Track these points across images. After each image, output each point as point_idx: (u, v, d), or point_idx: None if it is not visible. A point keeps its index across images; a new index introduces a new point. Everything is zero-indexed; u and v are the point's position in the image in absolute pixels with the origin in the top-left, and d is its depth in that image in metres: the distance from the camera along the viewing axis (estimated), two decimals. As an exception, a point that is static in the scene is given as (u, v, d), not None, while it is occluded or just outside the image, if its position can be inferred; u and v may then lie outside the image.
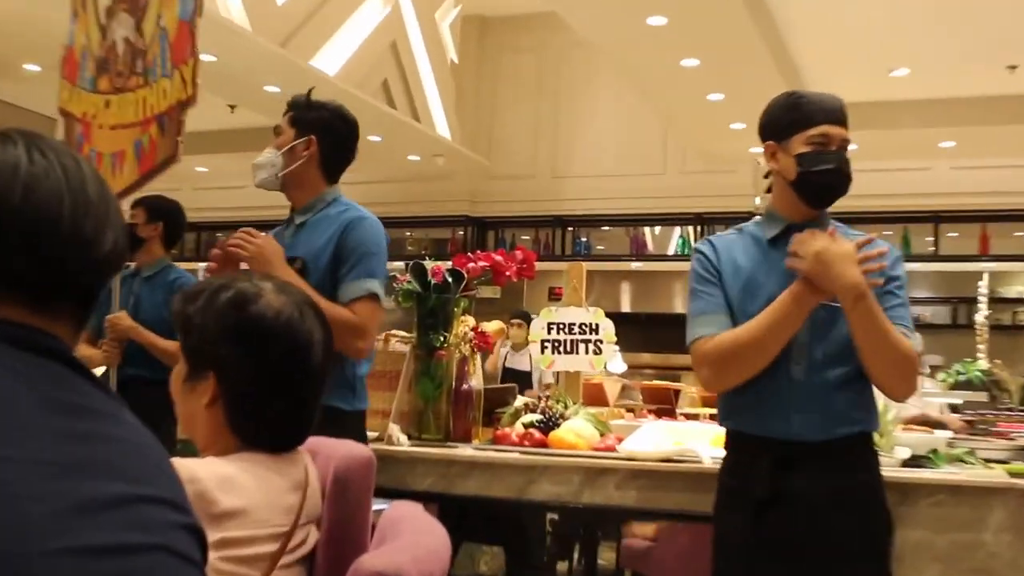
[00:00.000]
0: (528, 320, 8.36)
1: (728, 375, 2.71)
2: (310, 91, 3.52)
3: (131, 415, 1.24)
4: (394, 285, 4.02)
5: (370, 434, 4.03)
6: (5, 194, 1.18)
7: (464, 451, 3.75)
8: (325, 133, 3.42)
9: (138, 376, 4.46)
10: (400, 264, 4.10)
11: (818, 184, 2.72)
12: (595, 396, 5.15)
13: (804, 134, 2.71)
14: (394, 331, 4.15)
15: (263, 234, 3.22)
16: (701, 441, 3.63)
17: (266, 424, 1.83)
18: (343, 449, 1.93)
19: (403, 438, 3.84)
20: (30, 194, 1.19)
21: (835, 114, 2.72)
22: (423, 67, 10.52)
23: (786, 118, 2.75)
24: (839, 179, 2.71)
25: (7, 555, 1.01)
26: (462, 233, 12.78)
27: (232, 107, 10.67)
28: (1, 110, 11.47)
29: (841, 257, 2.55)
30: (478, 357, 4.19)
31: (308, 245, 3.30)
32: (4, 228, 1.18)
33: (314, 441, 1.93)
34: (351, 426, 3.24)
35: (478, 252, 4.25)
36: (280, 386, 1.82)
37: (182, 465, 1.62)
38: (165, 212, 4.95)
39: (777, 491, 2.64)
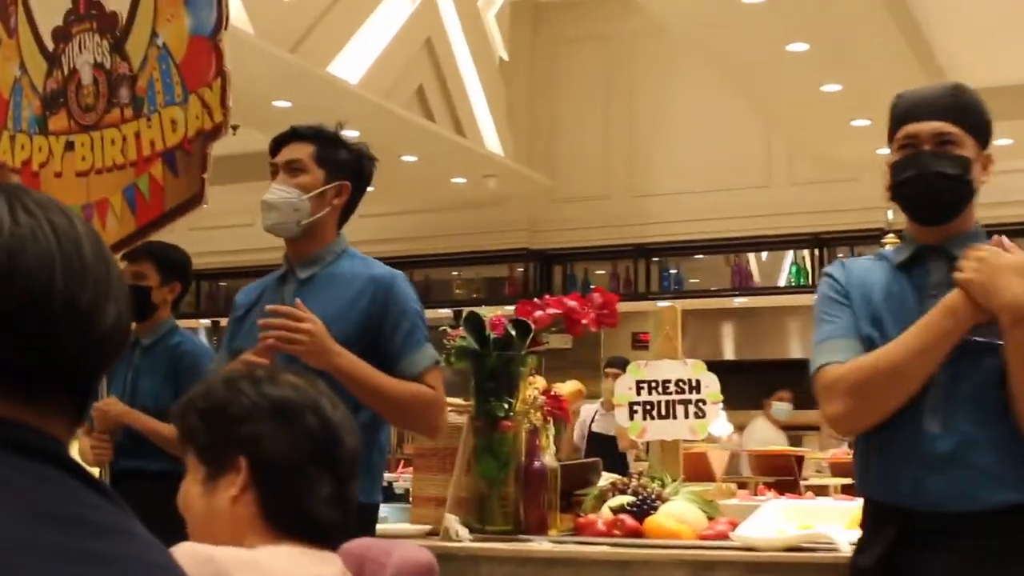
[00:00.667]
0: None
1: (863, 410, 2.70)
2: (339, 126, 3.61)
3: (142, 528, 1.24)
4: (444, 342, 4.03)
5: (421, 527, 4.03)
6: None
7: (540, 545, 3.73)
8: (356, 179, 3.54)
9: (133, 469, 4.47)
10: (446, 312, 4.13)
11: (906, 197, 2.76)
12: (697, 468, 5.13)
13: (894, 140, 2.77)
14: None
15: (308, 314, 3.24)
16: (834, 523, 3.58)
17: (304, 507, 1.91)
18: (398, 553, 1.93)
19: (463, 531, 3.83)
20: (15, 261, 1.20)
21: (925, 107, 2.74)
22: (466, 68, 10.58)
23: (890, 123, 2.81)
24: (924, 186, 2.71)
25: None
26: (522, 270, 12.79)
27: (235, 128, 10.77)
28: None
29: (1009, 268, 2.53)
30: (551, 427, 4.17)
31: (322, 306, 3.33)
32: None
33: (362, 544, 1.95)
34: (368, 522, 3.34)
35: (546, 297, 4.25)
36: (318, 464, 1.91)
37: (194, 548, 1.73)
38: (180, 269, 4.91)
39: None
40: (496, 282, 12.99)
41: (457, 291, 13.05)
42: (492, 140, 11.00)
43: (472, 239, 12.56)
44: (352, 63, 9.17)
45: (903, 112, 2.76)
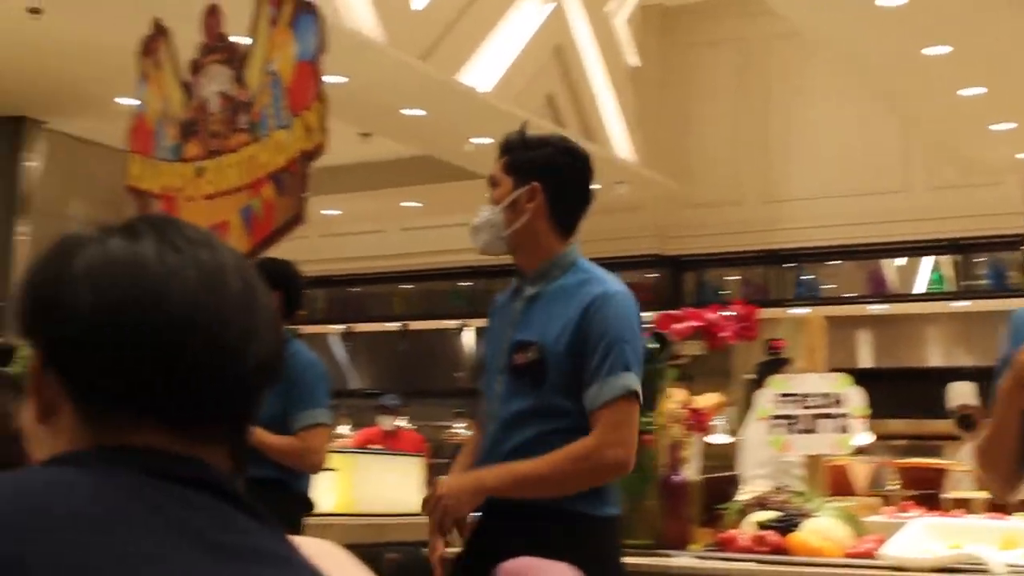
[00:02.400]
0: None
1: (986, 480, 2.69)
2: (524, 126, 3.43)
3: (295, 552, 1.26)
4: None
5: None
6: (130, 305, 1.22)
7: (681, 560, 3.72)
8: (550, 176, 3.28)
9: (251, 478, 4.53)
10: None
11: None
12: (839, 481, 5.06)
13: None
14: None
15: (437, 487, 3.14)
16: (985, 543, 3.50)
17: None
18: (552, 573, 1.92)
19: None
20: (161, 302, 1.22)
21: None
22: (595, 74, 10.57)
23: None
24: None
25: None
26: (652, 277, 12.75)
27: (366, 135, 10.91)
28: (90, 151, 12.03)
29: None
30: (693, 440, 4.16)
31: (543, 326, 3.20)
32: (132, 344, 1.21)
33: (524, 563, 1.93)
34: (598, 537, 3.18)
35: (686, 309, 4.23)
36: None
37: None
38: (283, 277, 4.95)
39: None
40: (632, 288, 12.92)
41: (587, 298, 13.02)
42: (622, 146, 10.98)
43: (602, 245, 12.44)
44: (482, 71, 9.21)
45: None
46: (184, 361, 1.22)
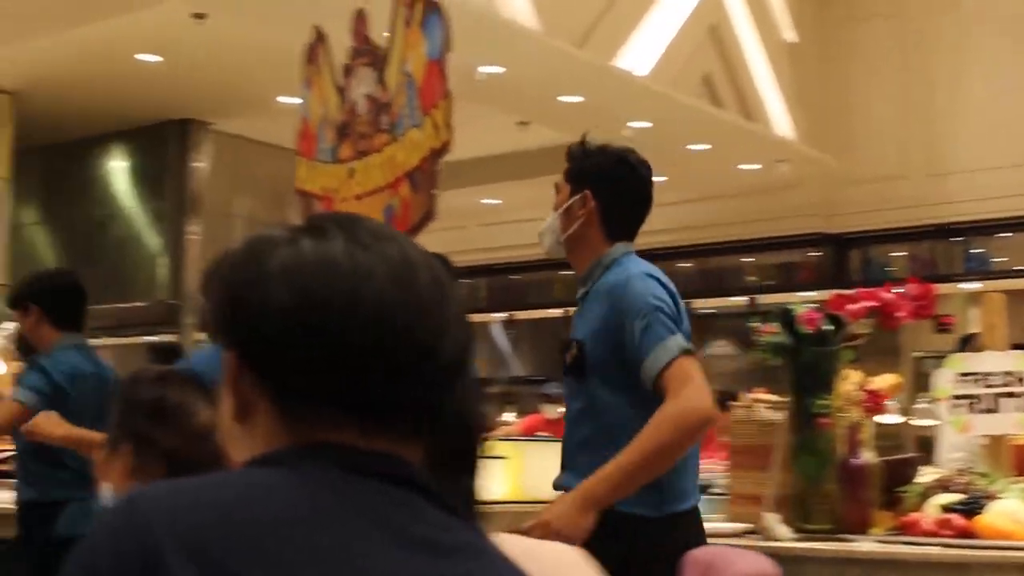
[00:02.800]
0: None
1: None
2: (585, 136, 3.50)
3: (491, 545, 1.26)
4: (753, 338, 4.00)
5: (739, 526, 4.00)
6: (327, 303, 1.23)
7: (862, 545, 3.67)
8: (602, 184, 3.40)
9: None
10: (738, 300, 4.09)
11: None
12: (1021, 461, 4.92)
13: None
14: (759, 394, 4.12)
15: (549, 519, 3.11)
16: None
17: None
18: (742, 563, 1.91)
19: (784, 530, 3.79)
20: (356, 301, 1.23)
21: None
22: (752, 52, 10.47)
23: None
24: None
25: None
26: (816, 255, 12.58)
27: (523, 124, 10.95)
28: (254, 150, 12.27)
29: None
30: (871, 422, 4.10)
31: (586, 325, 3.35)
32: (329, 343, 1.23)
33: (708, 551, 1.93)
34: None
35: (859, 290, 4.16)
36: None
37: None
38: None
39: None
40: (788, 268, 12.82)
41: (748, 278, 12.92)
42: (782, 124, 10.85)
43: (763, 225, 12.41)
44: (639, 54, 9.19)
45: None
46: (379, 358, 1.23)
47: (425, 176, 4.48)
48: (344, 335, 1.22)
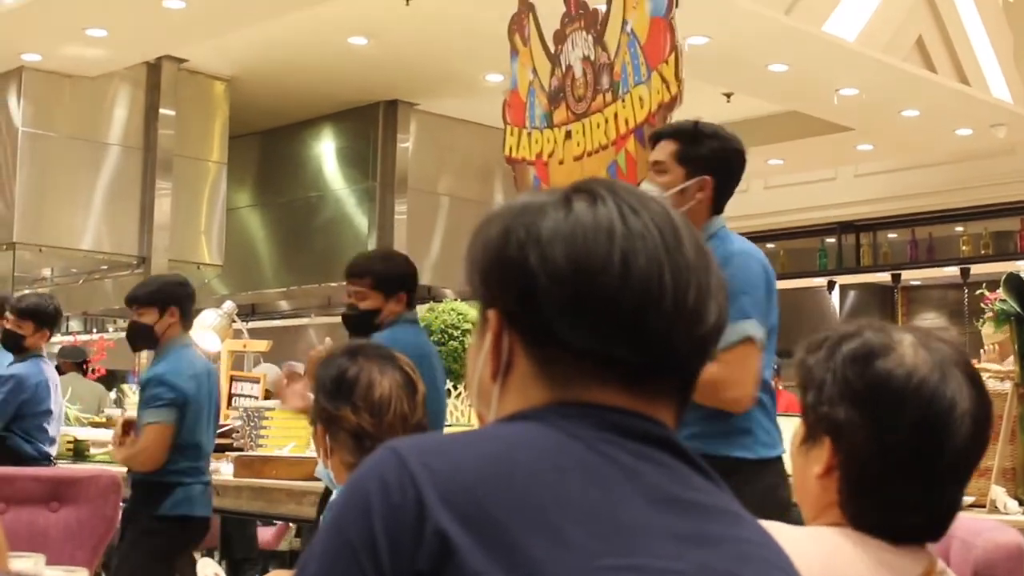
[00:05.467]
0: None
1: None
2: (696, 122, 3.64)
3: (744, 510, 1.28)
4: (982, 306, 3.90)
5: (966, 499, 3.90)
6: (603, 265, 1.25)
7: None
8: (721, 170, 3.58)
9: None
10: (951, 271, 4.00)
11: None
12: None
13: None
14: (984, 363, 4.01)
15: None
16: None
17: (883, 508, 1.79)
18: (987, 534, 1.85)
19: (1012, 503, 3.70)
20: (630, 263, 1.25)
21: None
22: (968, 14, 10.16)
23: None
24: None
25: None
26: (1035, 223, 12.20)
27: (728, 96, 10.85)
28: (459, 129, 12.40)
29: None
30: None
31: None
32: (604, 304, 1.24)
33: (960, 524, 1.86)
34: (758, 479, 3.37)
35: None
36: (906, 463, 1.77)
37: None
38: None
39: None
40: (1005, 236, 12.45)
41: (963, 248, 12.59)
42: (999, 87, 10.50)
43: (979, 192, 12.08)
44: (847, 20, 9.02)
45: None
46: (650, 320, 1.25)
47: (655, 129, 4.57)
48: (618, 298, 1.24)
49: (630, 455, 1.23)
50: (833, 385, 1.80)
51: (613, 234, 1.26)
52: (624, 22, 4.85)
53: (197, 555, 4.11)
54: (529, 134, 5.49)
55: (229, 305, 7.81)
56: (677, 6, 4.62)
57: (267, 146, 13.54)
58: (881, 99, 10.14)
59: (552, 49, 5.41)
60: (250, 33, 9.72)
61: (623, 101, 4.83)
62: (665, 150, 3.57)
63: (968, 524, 1.91)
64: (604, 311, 1.25)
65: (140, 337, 5.04)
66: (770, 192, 13.25)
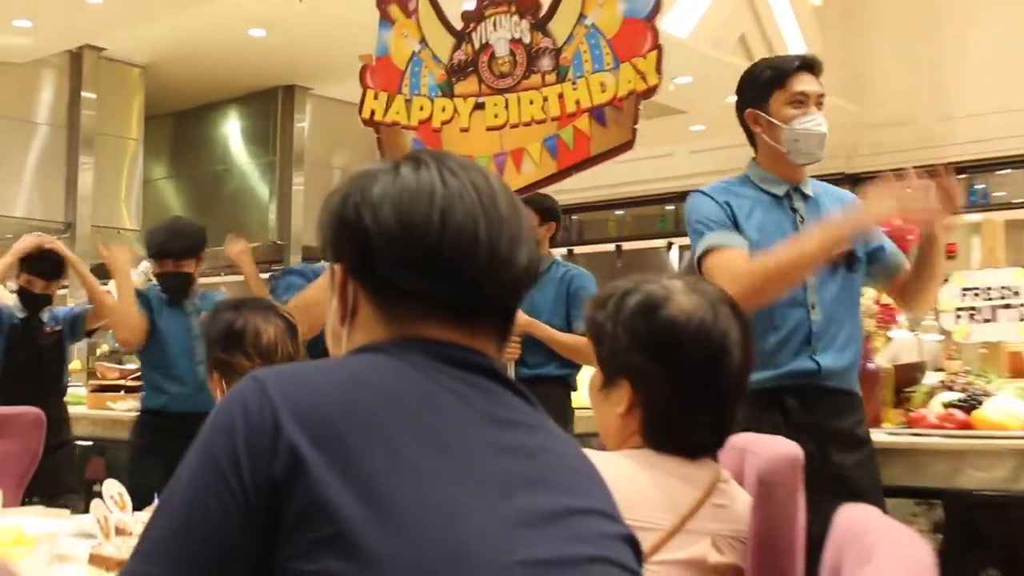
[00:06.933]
0: None
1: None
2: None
3: (556, 426, 1.32)
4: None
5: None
6: (425, 222, 1.28)
7: (876, 436, 3.66)
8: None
9: (539, 375, 4.64)
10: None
11: None
12: (1016, 365, 4.90)
13: None
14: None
15: None
16: None
17: (680, 432, 1.85)
18: (769, 448, 1.93)
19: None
20: (448, 219, 1.28)
21: None
22: (782, 15, 10.29)
23: None
24: None
25: (468, 570, 1.11)
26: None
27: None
28: (349, 111, 12.30)
29: None
30: (885, 332, 4.09)
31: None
32: (426, 255, 1.28)
33: (743, 438, 1.94)
34: None
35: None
36: (696, 393, 1.83)
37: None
38: (555, 213, 5.04)
39: None
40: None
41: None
42: (808, 78, 10.68)
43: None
44: (681, 20, 9.09)
45: None
46: (468, 266, 1.28)
47: (621, 113, 4.53)
48: (438, 249, 1.27)
49: (459, 381, 1.25)
50: (625, 336, 1.84)
51: (434, 194, 1.29)
52: (582, 15, 4.68)
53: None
54: (408, 100, 5.33)
55: (145, 264, 7.73)
56: (660, 11, 4.51)
57: (179, 125, 13.37)
58: (710, 87, 10.17)
59: (457, 26, 5.14)
60: (162, 25, 9.55)
61: (574, 84, 4.69)
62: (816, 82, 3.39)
63: (757, 439, 1.99)
64: (427, 261, 1.27)
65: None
66: (619, 166, 13.13)
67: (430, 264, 1.28)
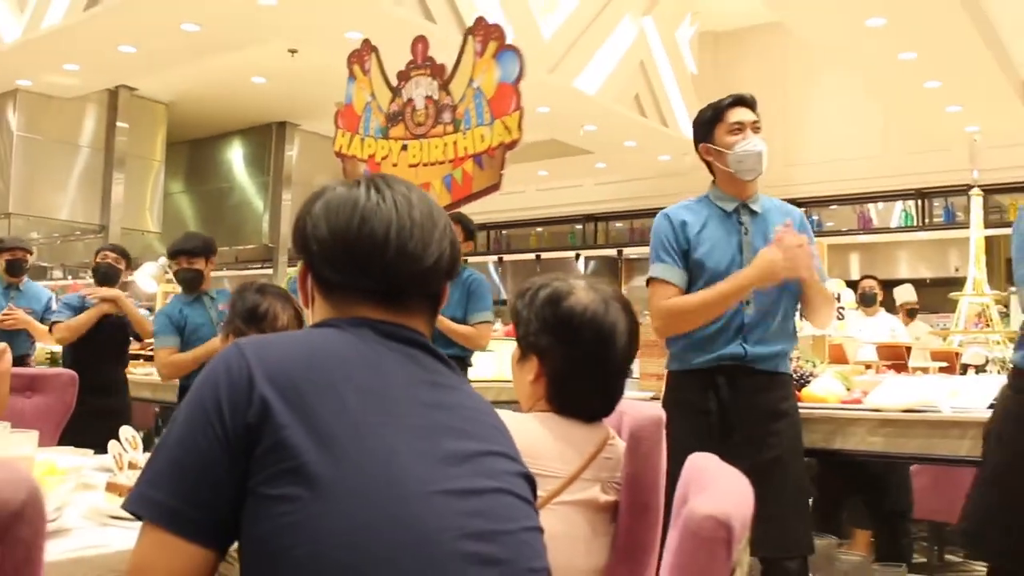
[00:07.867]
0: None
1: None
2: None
3: (470, 386, 1.33)
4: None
5: (646, 394, 4.05)
6: (346, 227, 1.29)
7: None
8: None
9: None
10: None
11: None
12: (837, 355, 4.98)
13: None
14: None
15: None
16: (938, 394, 3.44)
17: (576, 398, 1.86)
18: (639, 410, 1.95)
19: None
20: (363, 225, 1.28)
21: None
22: (668, 80, 10.39)
23: None
24: None
25: (398, 496, 1.12)
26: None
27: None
28: (329, 143, 12.22)
29: None
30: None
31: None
32: (348, 252, 1.28)
33: (625, 404, 1.95)
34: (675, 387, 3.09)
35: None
36: (588, 368, 1.84)
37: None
38: (473, 230, 5.07)
39: None
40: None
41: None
42: (687, 128, 10.75)
43: (674, 197, 12.07)
44: (590, 79, 9.13)
45: None
46: (377, 261, 1.28)
47: (493, 160, 4.51)
48: (355, 246, 1.28)
49: (397, 352, 1.26)
50: (536, 321, 1.85)
51: (357, 205, 1.30)
52: (471, 80, 4.73)
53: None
54: (363, 139, 5.30)
55: (163, 260, 7.61)
56: (523, 77, 4.57)
57: (194, 151, 13.26)
58: (611, 134, 10.30)
59: (394, 84, 5.23)
60: (183, 71, 9.42)
61: (464, 134, 4.73)
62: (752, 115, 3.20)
63: (631, 404, 2.00)
64: (352, 258, 1.29)
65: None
66: (539, 193, 13.35)
67: (349, 259, 1.29)
